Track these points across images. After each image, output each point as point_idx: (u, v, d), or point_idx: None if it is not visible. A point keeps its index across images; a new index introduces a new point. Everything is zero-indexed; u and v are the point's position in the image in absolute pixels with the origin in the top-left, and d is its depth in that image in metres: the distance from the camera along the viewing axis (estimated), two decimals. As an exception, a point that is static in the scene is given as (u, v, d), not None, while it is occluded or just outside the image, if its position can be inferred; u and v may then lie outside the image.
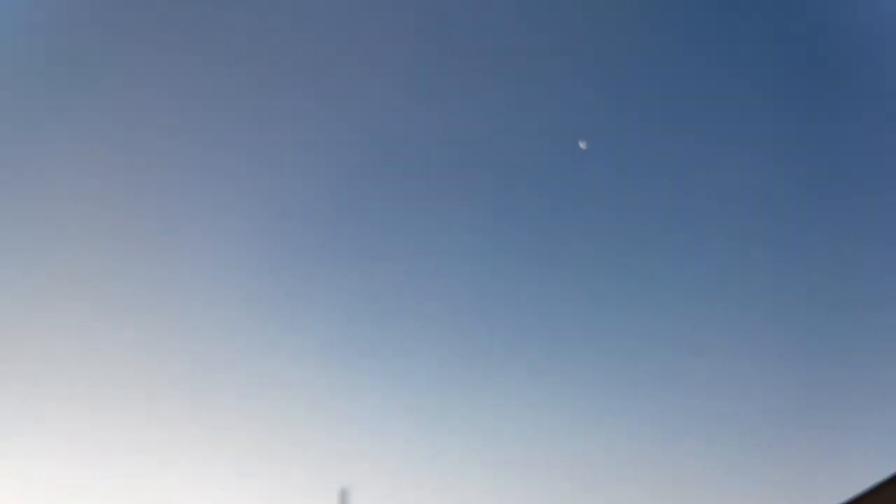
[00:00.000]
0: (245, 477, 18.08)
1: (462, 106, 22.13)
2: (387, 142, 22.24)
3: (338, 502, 15.95)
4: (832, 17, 21.14)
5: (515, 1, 21.48)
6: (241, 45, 21.50)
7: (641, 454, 19.18)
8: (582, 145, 18.76)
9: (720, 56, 21.98)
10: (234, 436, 18.95)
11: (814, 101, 21.62)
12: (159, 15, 20.80)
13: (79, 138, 20.75)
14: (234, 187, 21.90)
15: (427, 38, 21.62)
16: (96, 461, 17.74)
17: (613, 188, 22.27)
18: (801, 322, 20.37)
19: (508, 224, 22.70)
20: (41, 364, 18.59)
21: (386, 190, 22.58)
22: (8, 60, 20.00)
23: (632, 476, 18.72)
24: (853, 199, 21.03)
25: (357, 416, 20.05)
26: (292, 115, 22.35)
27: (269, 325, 21.12)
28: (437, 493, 18.68)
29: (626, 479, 18.66)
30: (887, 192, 20.21)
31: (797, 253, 21.14)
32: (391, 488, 18.33)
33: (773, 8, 21.48)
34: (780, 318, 20.54)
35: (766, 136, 21.96)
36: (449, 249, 22.42)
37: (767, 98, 21.84)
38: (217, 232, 21.63)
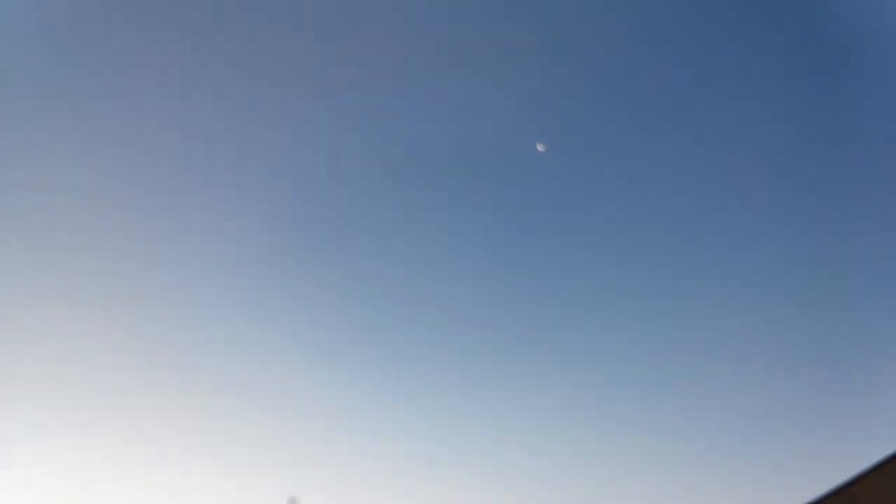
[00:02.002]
0: (198, 477, 18.15)
1: (463, 108, 22.34)
2: (385, 141, 22.46)
3: None
4: (829, 14, 21.45)
5: (507, 4, 21.77)
6: (238, 45, 21.73)
7: (636, 455, 19.41)
8: (539, 148, 19.33)
9: (713, 55, 22.24)
10: (197, 437, 19.03)
11: (810, 100, 21.91)
12: (155, 15, 21.06)
13: (75, 137, 20.94)
14: (230, 186, 22.11)
15: (420, 40, 21.87)
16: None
17: (613, 189, 22.49)
18: (797, 321, 20.63)
19: (508, 224, 22.89)
20: (30, 360, 18.73)
21: (382, 189, 22.75)
22: (7, 59, 20.27)
23: (627, 476, 18.95)
24: (851, 199, 21.30)
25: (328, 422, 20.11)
26: (288, 115, 22.58)
27: (254, 326, 21.24)
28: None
29: (622, 480, 18.90)
30: (887, 193, 20.45)
31: (792, 251, 21.39)
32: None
33: (765, 7, 21.79)
34: (777, 318, 20.80)
35: (761, 135, 22.23)
36: (444, 250, 22.63)
37: (762, 97, 22.11)
38: (209, 230, 21.85)
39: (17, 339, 19.26)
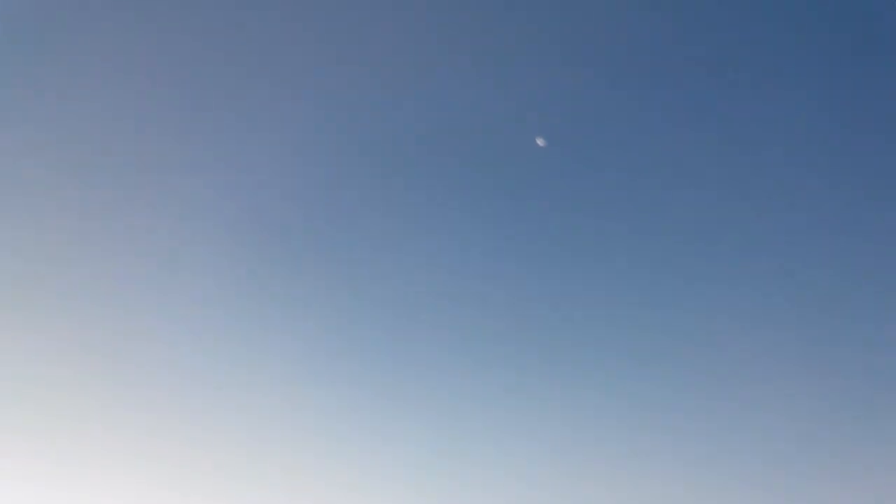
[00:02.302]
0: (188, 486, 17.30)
1: (460, 99, 21.49)
2: (376, 135, 21.62)
3: None
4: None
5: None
6: (215, 37, 20.95)
7: (641, 457, 18.47)
8: (539, 142, 18.02)
9: (734, 41, 21.34)
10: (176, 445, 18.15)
11: (840, 92, 20.94)
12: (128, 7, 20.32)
13: (49, 136, 20.23)
14: (212, 182, 21.31)
15: (415, 27, 21.06)
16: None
17: (620, 188, 21.59)
18: (811, 321, 19.62)
19: (501, 223, 22.02)
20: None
21: (372, 186, 21.92)
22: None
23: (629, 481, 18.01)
24: (863, 199, 20.31)
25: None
26: (274, 109, 21.79)
27: (239, 329, 20.40)
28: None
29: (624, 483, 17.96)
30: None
31: (822, 255, 20.41)
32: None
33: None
34: (788, 318, 19.81)
35: (783, 129, 21.27)
36: (437, 248, 21.77)
37: (771, 93, 21.17)
38: (192, 229, 21.06)
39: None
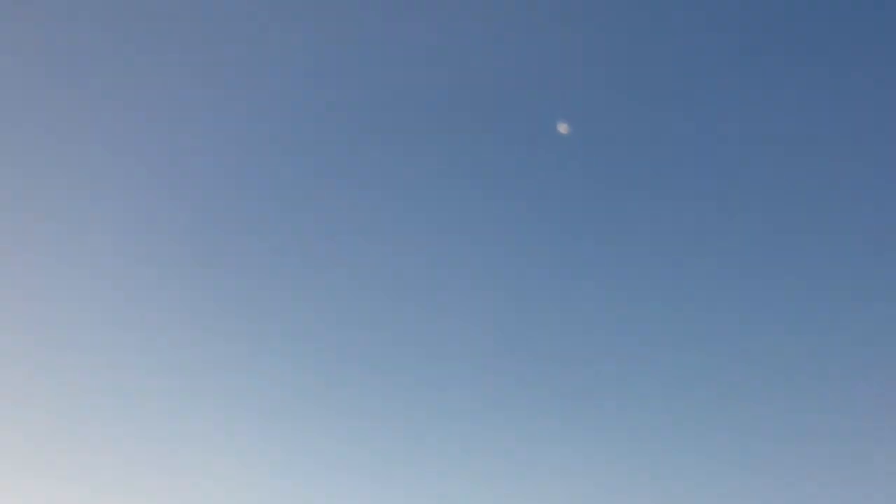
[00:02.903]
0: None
1: (473, 73, 20.76)
2: (382, 121, 21.18)
3: None
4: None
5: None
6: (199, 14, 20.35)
7: (644, 462, 18.41)
8: (562, 129, 17.52)
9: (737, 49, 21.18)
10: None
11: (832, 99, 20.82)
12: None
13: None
14: (186, 165, 20.94)
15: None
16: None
17: (648, 185, 21.26)
18: (814, 320, 19.55)
19: (518, 216, 21.70)
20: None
21: (363, 174, 21.43)
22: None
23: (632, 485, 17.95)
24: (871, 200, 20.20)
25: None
26: (262, 82, 21.20)
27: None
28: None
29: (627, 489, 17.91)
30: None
31: (810, 250, 20.31)
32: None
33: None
34: (794, 317, 19.76)
35: (793, 127, 21.13)
36: (444, 241, 21.57)
37: (802, 82, 20.99)
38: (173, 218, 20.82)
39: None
